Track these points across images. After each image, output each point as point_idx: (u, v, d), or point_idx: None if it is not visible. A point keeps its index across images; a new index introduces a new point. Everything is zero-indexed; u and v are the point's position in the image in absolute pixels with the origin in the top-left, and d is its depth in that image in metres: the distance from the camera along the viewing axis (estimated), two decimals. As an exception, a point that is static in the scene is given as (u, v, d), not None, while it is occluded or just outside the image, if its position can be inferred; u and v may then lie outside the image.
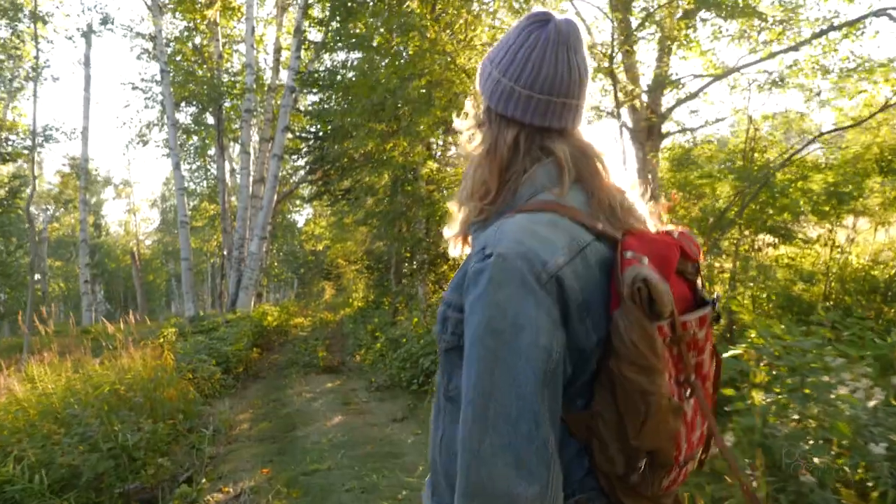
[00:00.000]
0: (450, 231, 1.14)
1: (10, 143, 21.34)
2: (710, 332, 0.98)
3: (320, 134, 13.71)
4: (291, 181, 21.60)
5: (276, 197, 16.71)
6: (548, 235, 0.90)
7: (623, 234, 0.95)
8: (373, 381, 7.84)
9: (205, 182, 26.34)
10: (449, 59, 7.72)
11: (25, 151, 23.22)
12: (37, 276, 36.99)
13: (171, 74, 15.95)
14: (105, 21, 16.69)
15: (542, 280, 0.85)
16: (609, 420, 0.88)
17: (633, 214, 1.03)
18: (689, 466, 0.98)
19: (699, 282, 1.01)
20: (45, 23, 16.09)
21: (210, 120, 18.67)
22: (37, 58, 15.82)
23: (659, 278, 0.85)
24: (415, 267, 11.21)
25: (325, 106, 13.42)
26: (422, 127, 8.31)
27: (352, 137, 10.46)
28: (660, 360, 0.85)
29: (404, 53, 8.67)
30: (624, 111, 8.33)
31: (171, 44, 16.76)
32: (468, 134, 1.11)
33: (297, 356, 10.06)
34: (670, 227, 1.03)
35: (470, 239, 1.12)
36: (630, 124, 8.10)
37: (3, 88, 16.46)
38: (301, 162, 20.19)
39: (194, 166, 25.14)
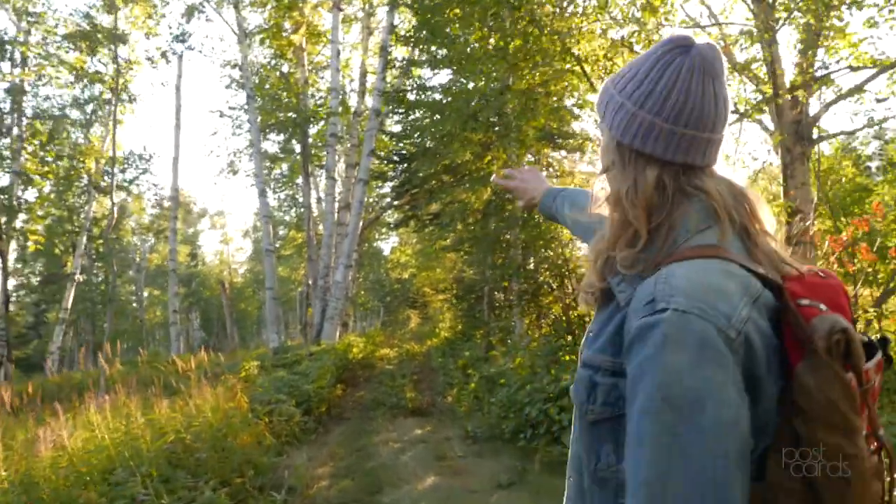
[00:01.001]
0: (587, 286, 1.00)
1: (108, 173, 22.18)
2: (881, 378, 0.86)
3: (407, 156, 12.98)
4: (377, 207, 21.09)
5: (361, 223, 16.13)
6: (725, 286, 0.79)
7: (784, 280, 0.86)
8: (468, 430, 6.77)
9: (293, 210, 26.47)
10: (561, 46, 6.69)
11: (126, 184, 24.13)
12: (134, 304, 38.61)
13: (258, 101, 15.83)
14: (181, 39, 16.78)
15: (730, 339, 0.74)
16: (790, 488, 0.76)
17: (785, 259, 0.92)
18: None
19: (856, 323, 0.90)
20: (124, 43, 16.34)
21: (296, 148, 18.58)
22: (115, 79, 15.99)
23: (854, 331, 0.77)
24: (512, 298, 10.10)
25: (413, 123, 12.68)
26: (530, 133, 7.30)
27: (443, 151, 9.57)
28: (858, 419, 0.75)
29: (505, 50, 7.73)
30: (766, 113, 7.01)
31: (259, 70, 16.70)
32: (599, 180, 1.02)
33: (383, 396, 9.14)
34: (814, 268, 0.92)
35: (618, 292, 0.92)
36: (772, 127, 6.75)
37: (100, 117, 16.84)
38: (387, 188, 19.77)
39: (282, 195, 25.32)
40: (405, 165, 12.96)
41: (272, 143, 18.59)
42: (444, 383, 9.73)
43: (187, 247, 51.89)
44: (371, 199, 21.73)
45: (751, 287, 0.82)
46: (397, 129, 15.15)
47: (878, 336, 0.90)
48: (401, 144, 14.02)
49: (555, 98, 7.73)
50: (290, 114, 15.58)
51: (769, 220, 0.95)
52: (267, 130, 17.47)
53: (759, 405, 0.77)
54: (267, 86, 16.93)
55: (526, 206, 1.81)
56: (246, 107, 15.55)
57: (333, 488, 5.13)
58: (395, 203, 14.47)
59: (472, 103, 7.60)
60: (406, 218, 13.90)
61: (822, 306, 0.81)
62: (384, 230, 26.79)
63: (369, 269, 31.78)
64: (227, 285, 46.08)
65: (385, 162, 14.97)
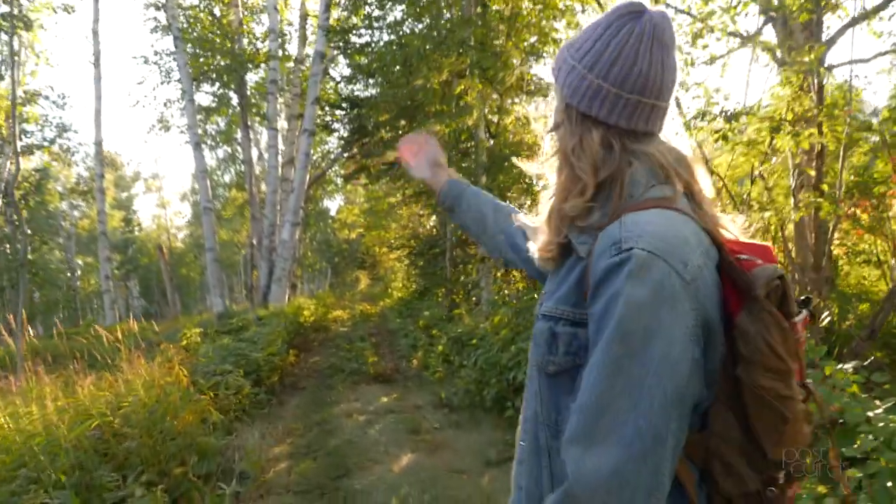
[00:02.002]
0: (538, 238, 1.03)
1: (28, 134, 20.20)
2: (804, 335, 0.92)
3: (357, 101, 11.96)
4: (322, 164, 19.95)
5: (307, 179, 15.08)
6: (684, 234, 0.84)
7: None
8: (442, 397, 6.13)
9: (233, 168, 24.97)
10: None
11: (46, 144, 22.11)
12: (68, 273, 36.40)
13: (187, 46, 14.40)
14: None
15: (686, 283, 0.79)
16: (732, 438, 0.81)
17: (720, 221, 0.96)
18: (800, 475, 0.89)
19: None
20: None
21: (234, 99, 17.17)
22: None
23: (787, 277, 0.85)
24: (481, 253, 9.42)
25: (364, 65, 11.60)
26: (514, 53, 6.48)
27: (401, 86, 8.57)
28: (794, 362, 0.82)
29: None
30: (770, 32, 6.37)
31: (187, 12, 15.16)
32: (549, 137, 1.05)
33: (341, 361, 8.40)
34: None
35: (579, 244, 0.94)
36: (779, 55, 6.14)
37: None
38: (333, 141, 18.65)
39: (220, 153, 23.80)
40: (356, 111, 11.95)
41: (206, 95, 17.10)
42: (407, 346, 9.05)
43: (121, 212, 49.34)
44: (316, 156, 20.53)
45: (702, 239, 0.87)
46: (346, 74, 13.96)
47: (803, 297, 0.95)
48: (350, 88, 12.95)
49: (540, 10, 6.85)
50: (223, 61, 14.18)
51: (707, 186, 0.99)
52: (200, 79, 16.03)
53: (712, 356, 0.81)
54: (197, 29, 15.41)
55: (424, 181, 1.69)
56: (174, 52, 14.10)
57: (293, 472, 4.42)
58: (345, 154, 13.42)
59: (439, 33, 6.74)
60: (357, 170, 12.96)
61: (759, 260, 0.87)
62: (330, 187, 25.60)
63: (316, 230, 30.61)
64: (165, 250, 44.04)
65: (333, 109, 13.86)
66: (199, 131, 19.98)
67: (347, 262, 34.52)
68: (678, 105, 5.38)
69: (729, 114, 4.32)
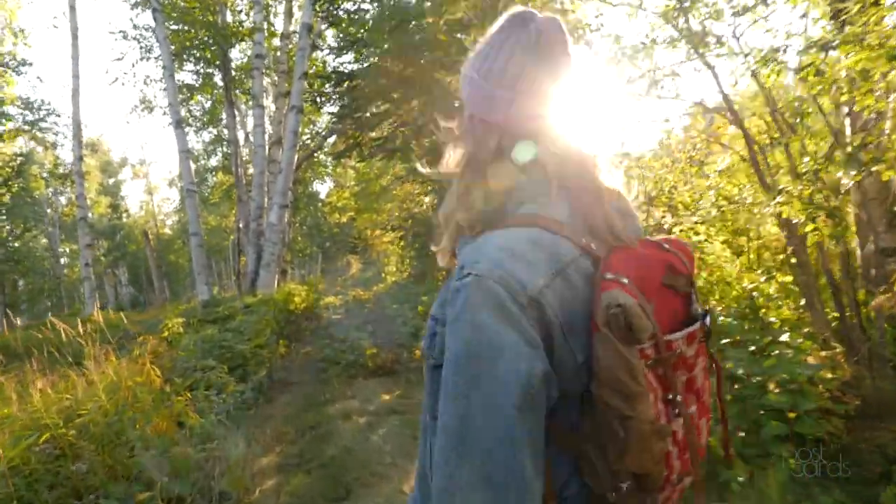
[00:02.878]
0: (436, 246, 1.08)
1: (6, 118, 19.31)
2: (701, 347, 0.97)
3: (349, 73, 11.14)
4: (312, 144, 19.10)
5: (296, 159, 14.29)
6: (528, 254, 0.86)
7: (608, 252, 0.93)
8: (451, 392, 5.45)
9: (220, 151, 24.04)
10: None
11: (26, 128, 21.17)
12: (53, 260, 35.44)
13: (168, 21, 13.51)
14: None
15: (521, 303, 0.81)
16: (595, 441, 0.85)
17: (626, 219, 1.00)
18: (684, 482, 0.93)
19: (693, 295, 0.99)
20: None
21: (218, 81, 16.27)
22: None
23: (635, 303, 0.83)
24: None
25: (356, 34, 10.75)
26: None
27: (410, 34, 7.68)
28: (639, 385, 0.82)
29: None
30: None
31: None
32: (450, 149, 1.07)
33: (336, 352, 7.71)
34: (660, 238, 1.02)
35: (459, 254, 0.99)
36: None
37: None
38: (323, 121, 17.82)
39: (206, 136, 22.86)
40: (346, 84, 11.14)
41: (189, 74, 16.21)
42: (407, 334, 8.36)
43: (107, 198, 48.30)
44: (305, 137, 19.66)
45: (560, 256, 0.88)
46: (335, 45, 13.07)
47: (703, 309, 0.98)
48: (339, 62, 12.13)
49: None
50: (205, 36, 13.27)
51: (616, 183, 1.01)
52: (184, 57, 15.13)
53: (563, 362, 0.84)
54: (179, 3, 14.46)
55: None
56: (154, 26, 13.21)
57: (283, 492, 3.74)
58: (337, 128, 12.58)
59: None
60: (348, 148, 12.17)
61: (624, 279, 0.86)
62: (320, 169, 24.75)
63: (306, 213, 29.75)
64: (151, 236, 43.03)
65: (323, 82, 13.02)
66: (183, 112, 19.14)
67: (338, 246, 33.79)
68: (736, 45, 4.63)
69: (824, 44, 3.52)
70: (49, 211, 34.15)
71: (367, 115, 10.39)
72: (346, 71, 11.54)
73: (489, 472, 0.76)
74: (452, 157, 1.05)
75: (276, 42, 16.86)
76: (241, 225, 14.33)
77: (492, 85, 0.96)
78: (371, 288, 20.10)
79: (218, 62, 15.09)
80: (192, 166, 12.76)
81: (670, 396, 0.89)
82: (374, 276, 25.43)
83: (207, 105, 21.22)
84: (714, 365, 1.03)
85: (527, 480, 0.78)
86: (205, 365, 5.97)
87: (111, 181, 51.19)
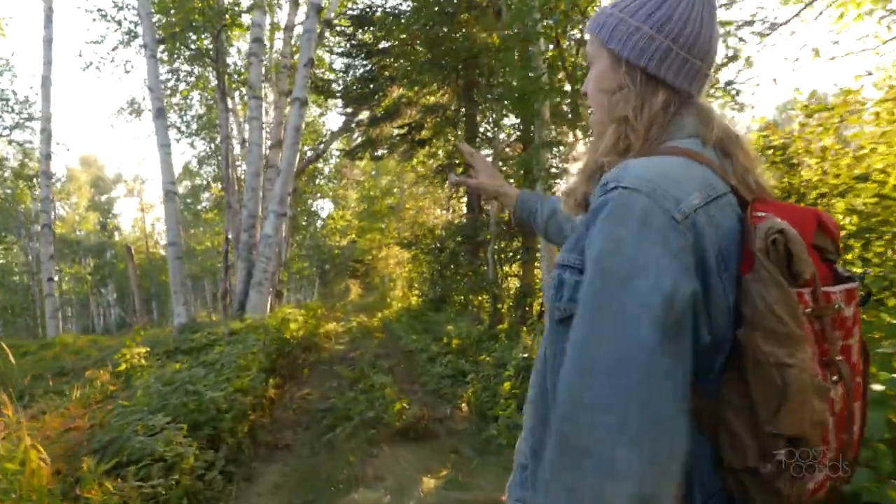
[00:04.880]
0: (570, 190, 1.02)
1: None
2: (858, 313, 0.85)
3: (370, 47, 9.22)
4: (317, 148, 17.14)
5: (297, 161, 12.33)
6: (680, 175, 0.81)
7: (754, 200, 0.85)
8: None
9: (214, 163, 22.12)
10: None
11: (6, 132, 19.26)
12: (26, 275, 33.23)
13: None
14: None
15: (674, 219, 0.74)
16: (739, 405, 0.76)
17: (764, 186, 0.93)
18: (838, 473, 0.81)
19: (840, 265, 0.88)
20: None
21: (212, 79, 14.39)
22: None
23: (797, 233, 0.77)
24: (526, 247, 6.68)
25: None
26: None
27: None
28: (800, 327, 0.74)
29: None
30: None
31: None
32: (602, 97, 0.97)
33: (345, 399, 5.62)
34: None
35: (592, 197, 0.88)
36: None
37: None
38: (330, 120, 15.91)
39: (199, 144, 20.91)
40: (365, 64, 9.23)
41: (179, 63, 14.32)
42: (441, 377, 6.27)
43: (96, 214, 46.49)
44: (305, 148, 17.75)
45: (714, 185, 0.82)
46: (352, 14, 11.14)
47: (860, 272, 0.92)
48: (349, 44, 10.23)
49: None
50: (194, 19, 11.36)
51: (753, 155, 0.96)
52: (177, 47, 13.24)
53: (715, 298, 0.76)
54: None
55: (493, 200, 1.60)
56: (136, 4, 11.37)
57: None
58: (355, 121, 10.59)
59: None
60: (362, 145, 10.21)
61: (778, 219, 0.79)
62: (322, 183, 22.83)
63: (305, 233, 27.74)
64: (142, 254, 40.95)
65: (340, 55, 11.09)
66: (174, 117, 17.23)
67: (337, 269, 31.81)
68: None
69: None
70: (26, 222, 31.96)
71: (386, 102, 8.43)
72: (367, 45, 9.57)
73: (616, 404, 0.68)
74: (605, 113, 0.96)
75: (279, 35, 15.10)
76: (229, 236, 12.29)
77: (666, 38, 0.89)
78: (375, 314, 18.03)
79: (208, 42, 13.14)
80: (177, 169, 10.81)
81: (828, 359, 0.79)
82: (378, 301, 23.31)
83: (202, 110, 19.48)
84: (861, 344, 0.85)
85: (664, 420, 0.69)
86: (152, 425, 3.89)
87: (103, 197, 49.57)
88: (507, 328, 7.45)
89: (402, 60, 7.89)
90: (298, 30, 13.19)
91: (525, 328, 6.81)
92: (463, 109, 8.17)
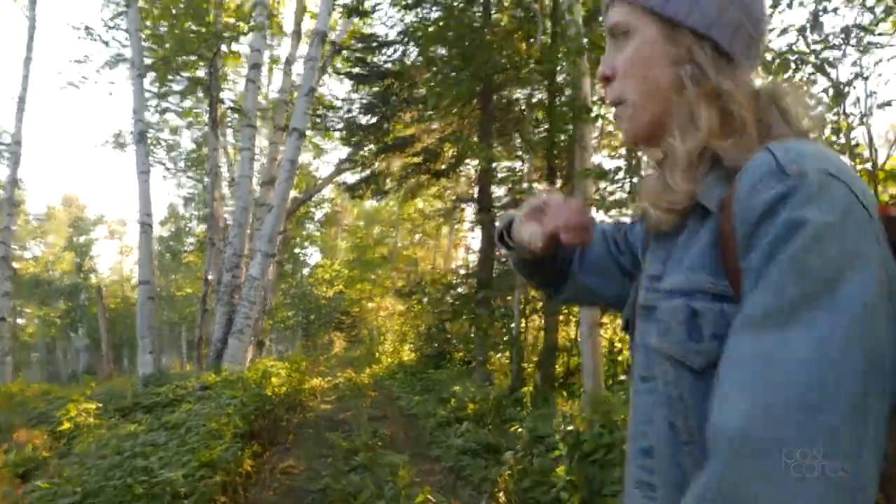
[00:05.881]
0: (671, 200, 0.76)
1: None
2: None
3: (382, 70, 8.35)
4: (314, 185, 16.17)
5: (290, 197, 11.31)
6: (850, 168, 0.68)
7: None
8: None
9: (202, 202, 21.04)
10: None
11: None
12: None
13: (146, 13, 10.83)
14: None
15: (870, 215, 0.62)
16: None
17: None
18: None
19: None
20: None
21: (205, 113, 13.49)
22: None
23: None
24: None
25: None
26: None
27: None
28: None
29: None
30: None
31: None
32: (652, 73, 0.79)
33: (343, 482, 4.38)
34: None
35: (705, 201, 0.73)
36: None
37: None
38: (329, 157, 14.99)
39: (187, 184, 19.89)
40: (378, 89, 8.34)
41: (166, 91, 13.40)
42: (460, 451, 5.05)
43: (72, 254, 45.03)
44: (296, 193, 16.79)
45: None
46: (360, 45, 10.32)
47: None
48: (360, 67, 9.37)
49: None
50: (189, 28, 10.50)
51: None
52: (165, 72, 12.36)
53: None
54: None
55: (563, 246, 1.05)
56: (125, 11, 10.49)
57: None
58: (363, 153, 9.56)
59: None
60: (366, 179, 9.23)
61: None
62: (313, 229, 21.81)
63: (291, 280, 26.51)
64: (118, 299, 39.28)
65: (348, 76, 10.18)
66: (152, 138, 16.25)
67: (323, 320, 30.46)
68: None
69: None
70: None
71: (399, 126, 7.50)
72: (379, 68, 8.70)
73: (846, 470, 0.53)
74: (638, 95, 0.80)
75: (278, 68, 14.37)
76: (210, 277, 11.10)
77: (737, 11, 0.77)
78: (363, 369, 16.71)
79: (203, 64, 12.18)
80: (162, 209, 9.75)
81: None
82: (364, 355, 21.95)
83: (191, 146, 18.62)
84: None
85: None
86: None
87: (81, 238, 48.30)
88: (531, 391, 6.30)
89: (426, 74, 7.03)
90: (299, 64, 12.45)
91: (564, 392, 5.69)
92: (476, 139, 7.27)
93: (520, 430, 5.00)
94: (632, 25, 0.79)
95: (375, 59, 9.02)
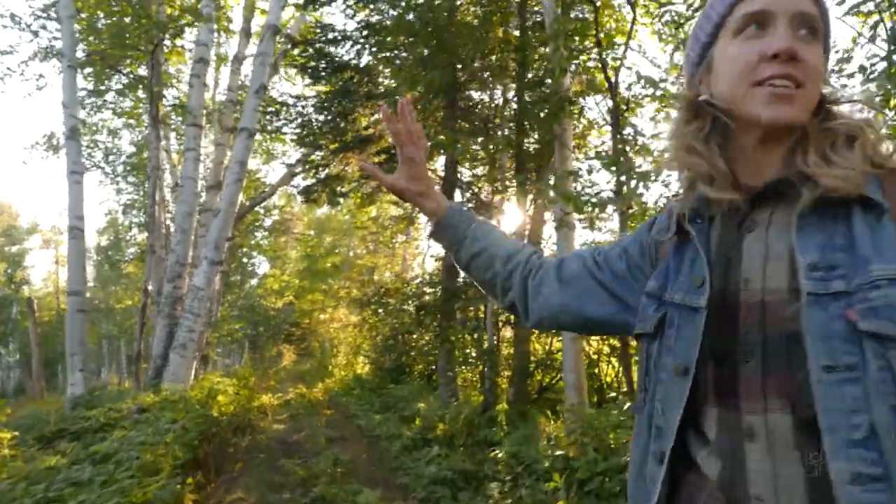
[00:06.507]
0: (848, 174, 0.79)
1: None
2: None
3: (339, 62, 7.78)
4: (257, 194, 15.36)
5: (239, 201, 10.60)
6: None
7: None
8: None
9: (143, 207, 19.89)
10: None
11: None
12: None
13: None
14: None
15: None
16: None
17: None
18: None
19: None
20: None
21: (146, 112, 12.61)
22: None
23: None
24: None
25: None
26: None
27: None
28: None
29: None
30: None
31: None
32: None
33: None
34: None
35: (873, 194, 0.78)
36: None
37: None
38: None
39: (127, 189, 18.72)
40: (335, 81, 7.76)
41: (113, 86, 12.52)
42: (435, 482, 4.51)
43: (3, 265, 42.49)
44: (244, 200, 15.97)
45: None
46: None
47: None
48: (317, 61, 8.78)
49: None
50: (130, 29, 9.70)
51: None
52: (102, 67, 11.48)
53: None
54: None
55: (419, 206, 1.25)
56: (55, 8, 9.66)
57: None
58: (316, 158, 8.90)
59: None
60: (322, 181, 8.62)
61: None
62: (262, 237, 20.92)
63: (239, 291, 25.45)
64: (52, 312, 37.12)
65: (302, 71, 9.53)
66: (90, 142, 15.24)
67: (272, 332, 29.39)
68: None
69: None
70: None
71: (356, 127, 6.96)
72: (338, 61, 8.12)
73: None
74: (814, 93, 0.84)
75: (226, 67, 13.62)
76: (150, 287, 10.26)
77: None
78: (315, 384, 15.94)
79: (142, 77, 11.41)
80: (101, 218, 8.91)
81: None
82: (315, 368, 21.12)
83: (131, 149, 17.56)
84: None
85: None
86: None
87: (14, 248, 45.83)
88: (506, 408, 5.83)
89: (395, 61, 6.54)
90: (249, 64, 11.76)
91: (541, 408, 5.24)
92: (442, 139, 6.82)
93: (499, 454, 4.51)
94: (819, 30, 0.84)
95: (333, 51, 8.44)
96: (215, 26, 10.57)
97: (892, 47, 2.94)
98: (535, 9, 6.92)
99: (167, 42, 10.76)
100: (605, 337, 6.66)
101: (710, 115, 0.88)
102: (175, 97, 13.34)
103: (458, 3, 6.73)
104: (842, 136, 0.81)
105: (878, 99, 3.06)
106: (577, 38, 5.33)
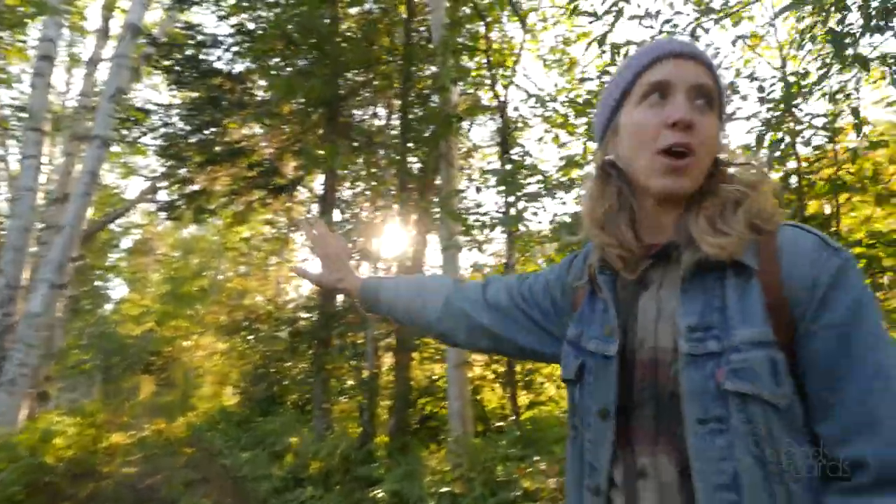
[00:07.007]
0: (729, 241, 0.86)
1: None
2: None
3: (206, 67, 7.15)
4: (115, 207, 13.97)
5: (90, 217, 9.52)
6: None
7: None
8: None
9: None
10: None
11: None
12: None
13: None
14: None
15: None
16: None
17: None
18: None
19: None
20: None
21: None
22: None
23: None
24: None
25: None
26: None
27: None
28: None
29: None
30: None
31: None
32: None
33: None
34: None
35: (748, 261, 0.87)
36: None
37: None
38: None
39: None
40: (205, 88, 7.11)
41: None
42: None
43: None
44: (96, 216, 14.51)
45: None
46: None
47: None
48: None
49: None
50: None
51: None
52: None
53: None
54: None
55: (334, 290, 1.56)
56: None
57: None
58: (170, 153, 8.07)
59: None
60: (185, 197, 7.86)
61: None
62: (119, 257, 19.16)
63: (89, 318, 23.07)
64: None
65: (167, 71, 8.64)
66: None
67: (128, 363, 26.98)
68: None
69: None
70: None
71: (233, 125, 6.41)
72: (205, 66, 7.46)
73: None
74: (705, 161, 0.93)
75: (79, 70, 12.39)
76: (-26, 313, 8.85)
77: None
78: (176, 418, 14.63)
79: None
80: None
81: None
82: (178, 400, 19.52)
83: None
84: None
85: None
86: None
87: None
88: (386, 441, 5.46)
89: (270, 63, 6.07)
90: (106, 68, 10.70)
91: (422, 440, 4.92)
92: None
93: (380, 493, 4.14)
94: (714, 100, 0.92)
95: (202, 56, 7.78)
96: (65, 21, 9.51)
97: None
98: (422, 28, 6.79)
99: (4, 36, 9.54)
100: (489, 362, 6.53)
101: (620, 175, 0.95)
102: (14, 98, 11.91)
103: (340, 12, 6.44)
104: (730, 202, 0.88)
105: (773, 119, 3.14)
106: (465, 54, 5.23)
